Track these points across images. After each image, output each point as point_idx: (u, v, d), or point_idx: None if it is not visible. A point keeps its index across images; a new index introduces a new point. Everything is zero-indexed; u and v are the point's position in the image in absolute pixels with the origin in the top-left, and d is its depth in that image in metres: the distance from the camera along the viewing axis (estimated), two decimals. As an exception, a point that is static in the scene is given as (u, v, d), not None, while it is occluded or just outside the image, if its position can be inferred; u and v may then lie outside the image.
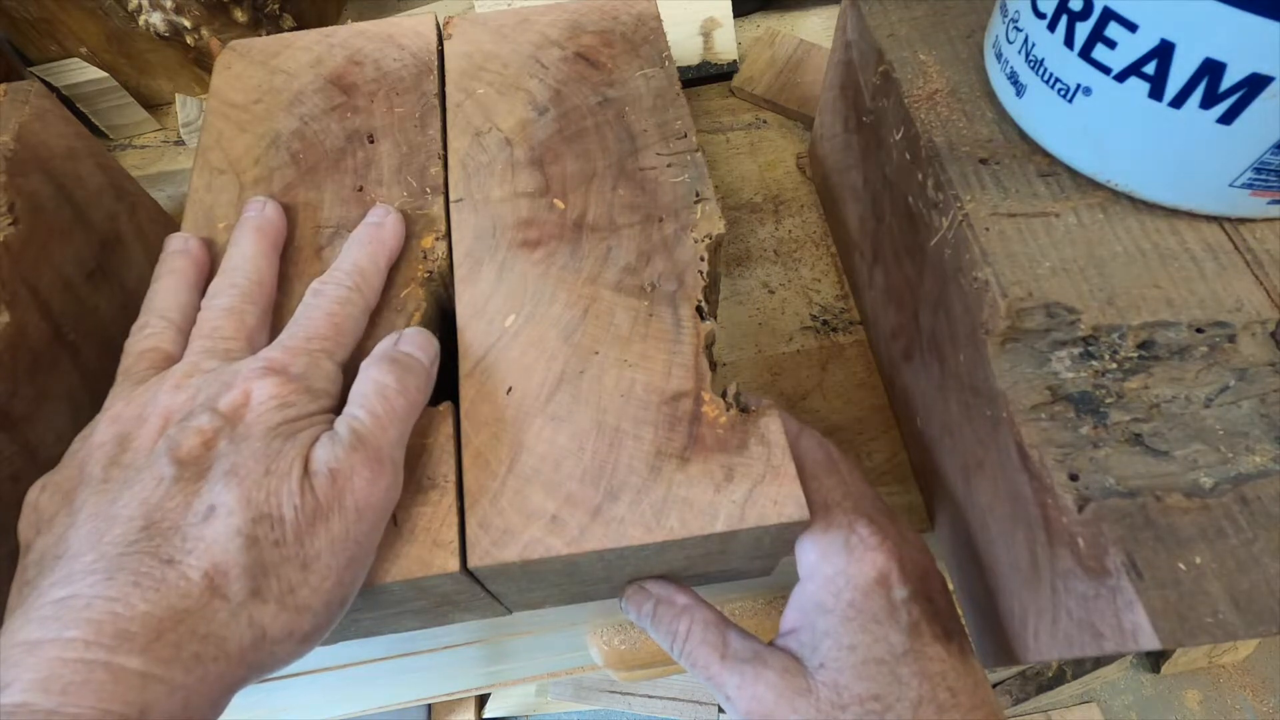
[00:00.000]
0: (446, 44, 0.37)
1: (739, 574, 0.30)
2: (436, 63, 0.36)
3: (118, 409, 0.24)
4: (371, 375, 0.25)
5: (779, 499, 0.24)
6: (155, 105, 0.53)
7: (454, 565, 0.24)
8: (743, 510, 0.24)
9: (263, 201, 0.30)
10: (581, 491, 0.25)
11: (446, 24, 0.38)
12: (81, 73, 0.48)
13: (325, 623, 0.22)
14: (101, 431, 0.24)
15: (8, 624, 0.20)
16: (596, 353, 0.27)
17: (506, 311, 0.28)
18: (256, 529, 0.21)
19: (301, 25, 0.51)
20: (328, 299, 0.26)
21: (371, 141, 0.33)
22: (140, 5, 0.45)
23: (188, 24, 0.46)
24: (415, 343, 0.26)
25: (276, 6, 0.48)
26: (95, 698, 0.18)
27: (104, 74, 0.48)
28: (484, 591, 0.27)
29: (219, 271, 0.28)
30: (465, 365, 0.27)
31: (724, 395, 0.26)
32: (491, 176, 0.32)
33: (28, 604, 0.20)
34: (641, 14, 0.37)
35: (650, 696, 1.04)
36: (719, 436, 0.25)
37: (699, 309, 0.28)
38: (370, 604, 0.26)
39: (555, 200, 0.31)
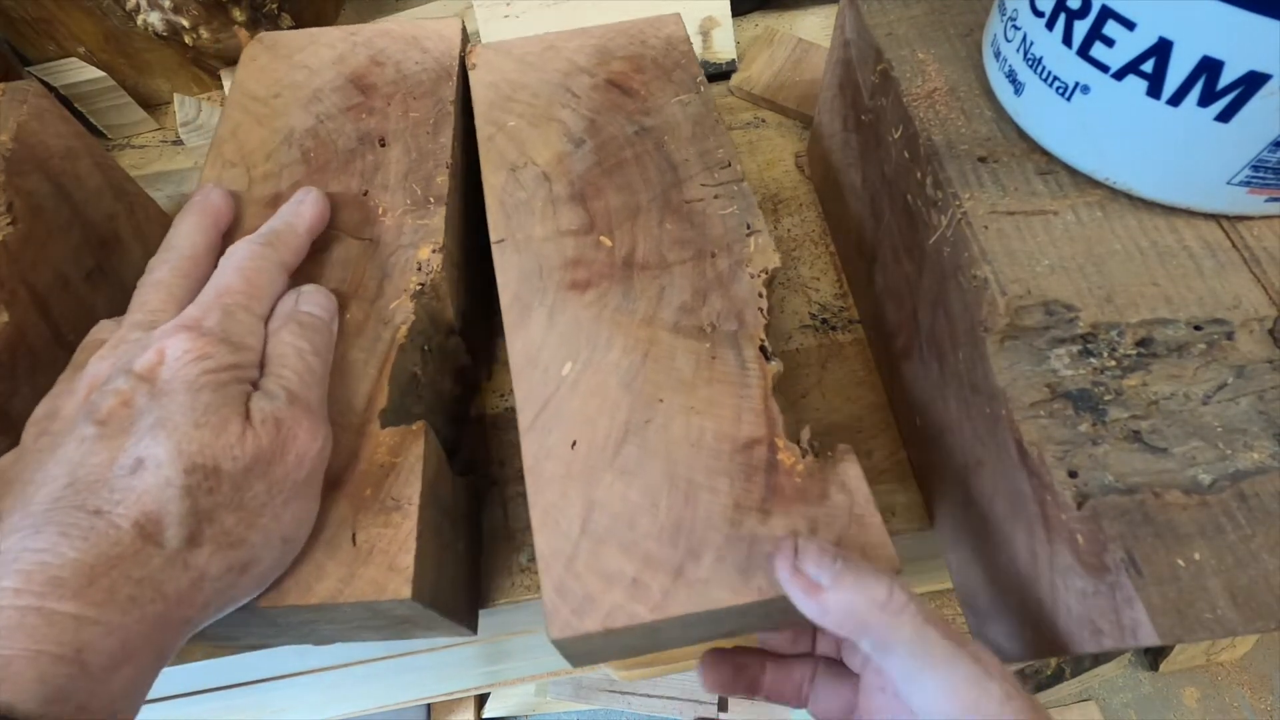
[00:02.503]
0: (472, 74, 0.36)
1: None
2: (457, 68, 0.36)
3: (59, 384, 0.25)
4: (283, 339, 0.26)
5: (866, 549, 0.23)
6: (153, 105, 0.53)
7: (406, 592, 0.23)
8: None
9: (209, 187, 0.30)
10: (660, 551, 0.23)
11: (470, 53, 0.37)
12: (79, 72, 0.48)
13: (263, 553, 0.23)
14: (40, 408, 0.25)
15: None
16: (661, 400, 0.26)
17: (563, 359, 0.27)
18: (189, 479, 0.21)
19: (299, 25, 0.51)
20: (237, 256, 0.27)
21: (383, 145, 0.33)
22: (138, 5, 0.45)
23: (186, 23, 0.46)
24: (315, 301, 0.27)
25: (275, 6, 0.48)
26: (29, 639, 0.18)
27: (102, 74, 0.48)
28: (441, 618, 0.26)
29: (159, 250, 0.28)
30: (525, 418, 0.26)
31: (798, 441, 0.25)
32: (532, 215, 0.31)
33: None
34: (670, 37, 0.36)
35: (650, 695, 1.04)
36: (797, 486, 0.24)
37: (763, 349, 0.27)
38: (326, 618, 0.25)
39: (601, 238, 0.30)
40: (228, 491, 0.22)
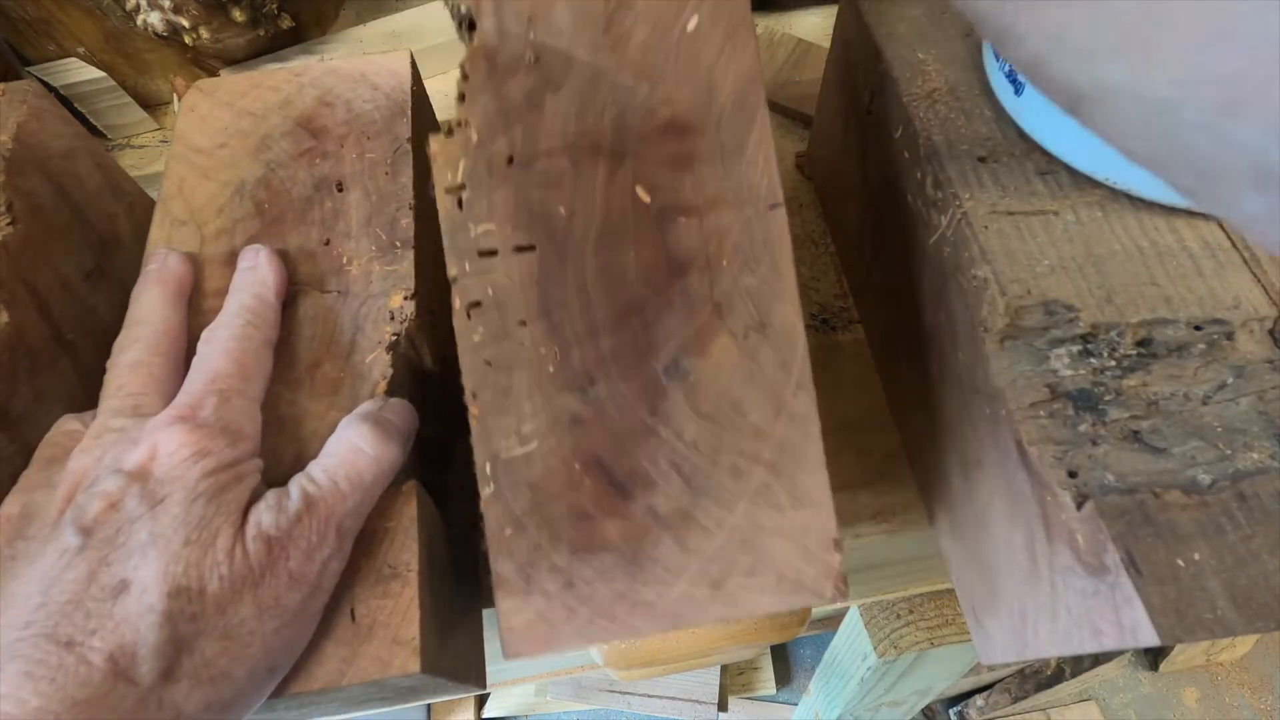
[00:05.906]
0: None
1: None
2: (410, 104, 0.34)
3: (28, 477, 0.24)
4: (347, 435, 0.24)
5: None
6: (153, 105, 0.53)
7: (415, 666, 0.22)
8: None
9: (164, 253, 0.28)
10: None
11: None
12: (79, 72, 0.48)
13: (249, 689, 0.21)
14: (9, 504, 0.23)
15: None
16: None
17: None
18: (172, 604, 0.19)
19: (300, 24, 0.51)
20: (222, 339, 0.25)
21: (340, 190, 0.31)
22: (138, 5, 0.45)
23: (186, 24, 0.46)
24: (397, 411, 0.25)
25: (275, 6, 0.48)
26: None
27: (102, 74, 0.48)
28: (450, 683, 0.25)
29: (124, 327, 0.27)
30: None
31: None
32: None
33: None
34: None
35: (650, 696, 1.04)
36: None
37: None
38: (328, 700, 0.24)
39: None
40: (212, 616, 0.20)
